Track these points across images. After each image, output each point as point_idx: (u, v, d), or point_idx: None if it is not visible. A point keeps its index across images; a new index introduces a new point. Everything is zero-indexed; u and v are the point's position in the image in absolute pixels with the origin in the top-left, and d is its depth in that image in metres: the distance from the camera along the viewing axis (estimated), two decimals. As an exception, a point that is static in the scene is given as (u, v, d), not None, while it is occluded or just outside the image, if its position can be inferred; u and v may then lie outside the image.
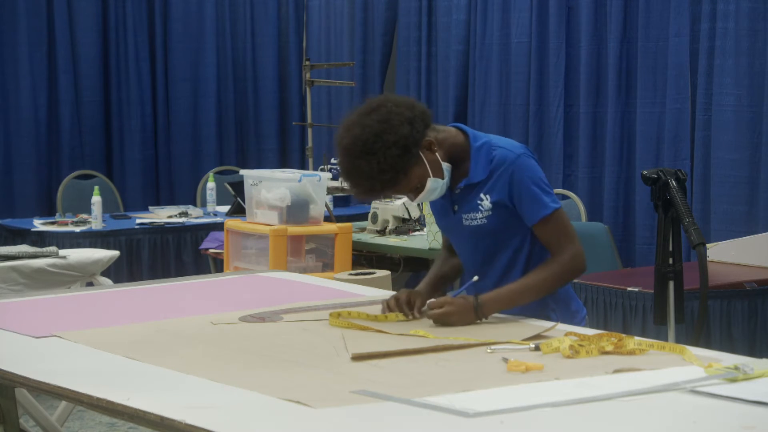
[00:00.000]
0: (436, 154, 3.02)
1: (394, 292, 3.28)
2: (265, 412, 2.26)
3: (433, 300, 3.07)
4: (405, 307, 3.08)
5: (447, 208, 3.17)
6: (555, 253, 3.06)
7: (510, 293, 3.04)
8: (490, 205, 3.07)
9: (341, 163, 3.01)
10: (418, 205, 6.31)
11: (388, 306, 3.11)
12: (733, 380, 2.39)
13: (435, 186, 3.04)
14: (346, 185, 3.09)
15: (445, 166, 3.05)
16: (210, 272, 6.55)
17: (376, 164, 2.92)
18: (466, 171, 3.09)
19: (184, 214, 7.35)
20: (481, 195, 3.07)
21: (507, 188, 3.05)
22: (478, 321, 3.00)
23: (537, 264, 3.09)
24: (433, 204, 3.23)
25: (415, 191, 3.05)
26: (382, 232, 6.29)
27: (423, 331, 2.92)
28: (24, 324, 3.14)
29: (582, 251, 3.08)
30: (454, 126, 3.14)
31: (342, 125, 3.02)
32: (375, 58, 8.51)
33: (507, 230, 3.10)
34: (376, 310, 3.15)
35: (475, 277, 3.14)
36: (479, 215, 3.09)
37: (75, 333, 2.99)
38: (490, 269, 3.15)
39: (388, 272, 5.31)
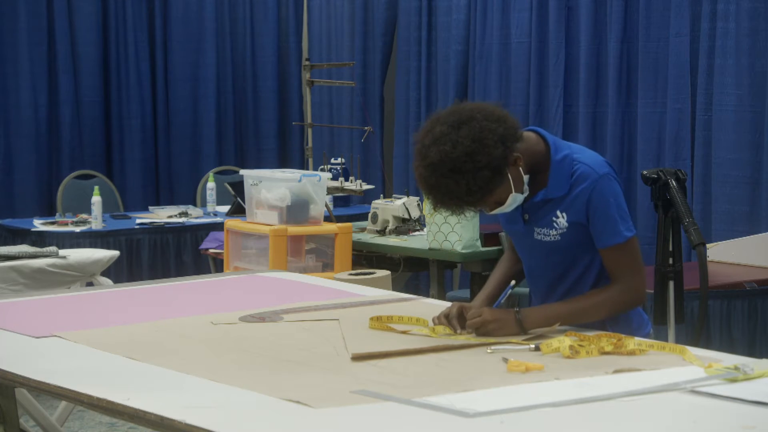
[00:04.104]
0: (520, 168, 2.87)
1: (394, 292, 3.26)
2: (265, 412, 2.26)
3: (473, 310, 2.92)
4: (455, 321, 2.91)
5: (516, 216, 3.02)
6: (614, 281, 2.95)
7: (555, 312, 2.92)
8: (566, 224, 2.95)
9: (424, 177, 2.81)
10: (418, 204, 6.31)
11: (438, 321, 2.95)
12: (733, 380, 2.39)
13: (515, 200, 2.89)
14: (424, 194, 2.90)
15: (525, 178, 2.90)
16: (210, 272, 6.55)
17: (465, 185, 2.76)
18: (543, 182, 2.94)
19: (184, 214, 7.35)
20: (558, 212, 2.95)
21: (585, 208, 2.92)
22: (521, 334, 2.85)
23: (606, 281, 2.99)
24: None
25: (494, 205, 2.90)
26: (382, 232, 6.29)
27: (426, 330, 2.91)
28: (24, 324, 3.14)
29: (643, 285, 2.98)
30: (532, 130, 2.97)
31: (427, 134, 2.82)
32: (375, 58, 8.51)
33: (580, 247, 2.98)
34: (416, 313, 3.07)
35: (512, 282, 3.03)
36: (553, 232, 2.97)
37: (75, 333, 2.98)
38: (559, 283, 3.03)
39: (388, 272, 5.31)
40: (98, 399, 2.37)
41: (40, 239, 6.64)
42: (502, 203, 2.88)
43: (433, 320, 2.97)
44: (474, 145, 2.75)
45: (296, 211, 5.70)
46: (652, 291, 3.59)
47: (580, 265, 3.01)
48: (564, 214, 2.95)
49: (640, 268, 2.98)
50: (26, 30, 8.20)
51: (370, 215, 6.42)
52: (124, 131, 8.64)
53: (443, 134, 2.78)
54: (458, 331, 2.89)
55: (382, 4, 8.39)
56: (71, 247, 6.21)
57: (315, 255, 5.80)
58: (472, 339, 2.82)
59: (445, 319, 2.93)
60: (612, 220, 2.92)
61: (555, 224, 2.96)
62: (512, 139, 2.82)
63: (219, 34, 8.97)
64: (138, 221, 7.18)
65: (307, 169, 7.36)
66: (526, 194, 2.91)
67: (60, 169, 8.33)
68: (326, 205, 5.92)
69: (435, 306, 3.44)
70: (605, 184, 2.93)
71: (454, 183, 2.76)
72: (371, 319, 3.02)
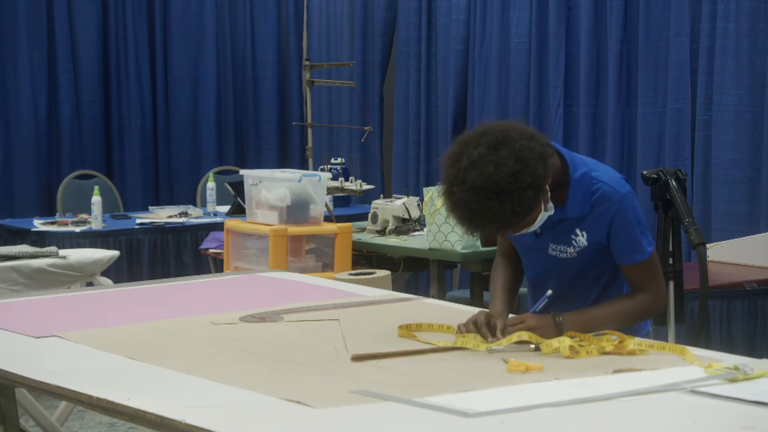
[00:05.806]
0: (546, 185, 2.77)
1: (394, 292, 3.24)
2: (265, 412, 2.26)
3: (514, 317, 2.87)
4: (485, 329, 2.80)
5: None
6: (639, 291, 2.94)
7: (592, 318, 2.87)
8: (585, 243, 2.91)
9: (464, 201, 2.66)
10: (418, 204, 6.31)
11: (465, 329, 2.84)
12: (733, 380, 2.39)
13: (542, 219, 2.81)
14: (456, 220, 2.74)
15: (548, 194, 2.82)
16: (210, 272, 6.55)
17: (510, 207, 2.64)
18: (559, 199, 2.87)
19: (184, 214, 7.35)
20: (577, 230, 2.91)
21: (607, 227, 2.89)
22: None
23: (611, 292, 2.99)
24: None
25: (524, 226, 2.80)
26: (382, 232, 6.28)
27: (456, 339, 2.84)
28: (24, 324, 3.14)
29: (664, 293, 2.99)
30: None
31: (460, 158, 2.68)
32: (375, 58, 8.51)
33: (594, 264, 2.96)
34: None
35: (549, 291, 2.95)
36: (570, 249, 2.94)
37: (75, 333, 2.99)
38: (565, 292, 3.00)
39: (388, 272, 5.31)
40: (98, 399, 2.37)
41: (40, 239, 6.64)
42: (531, 223, 2.79)
43: (459, 328, 2.87)
44: (518, 165, 2.64)
45: (296, 211, 5.69)
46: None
47: (589, 278, 3.00)
48: (584, 233, 2.92)
49: (661, 277, 2.98)
50: (26, 30, 8.20)
51: (370, 215, 6.42)
52: (124, 131, 8.64)
53: (482, 156, 2.65)
54: (489, 339, 2.77)
55: (381, 4, 8.39)
56: (71, 247, 6.21)
57: (315, 255, 5.80)
58: (504, 342, 2.75)
59: (474, 326, 2.83)
60: (635, 239, 2.91)
61: (574, 242, 2.93)
62: (548, 156, 2.74)
63: (219, 34, 8.97)
64: (138, 221, 7.17)
65: (307, 169, 7.36)
66: (551, 212, 2.84)
67: (60, 169, 8.33)
68: (326, 205, 5.92)
69: (435, 306, 3.44)
70: (627, 204, 2.90)
71: (499, 205, 2.64)
72: (400, 327, 2.92)
